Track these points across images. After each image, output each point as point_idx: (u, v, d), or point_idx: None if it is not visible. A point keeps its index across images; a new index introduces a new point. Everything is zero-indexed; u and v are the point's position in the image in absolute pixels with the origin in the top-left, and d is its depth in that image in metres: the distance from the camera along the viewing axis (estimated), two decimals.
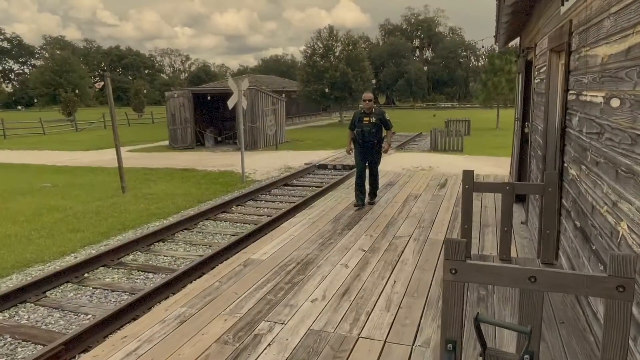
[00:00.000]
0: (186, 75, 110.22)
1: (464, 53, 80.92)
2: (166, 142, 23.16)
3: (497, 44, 9.08)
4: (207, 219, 9.06)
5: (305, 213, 7.19)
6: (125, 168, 15.86)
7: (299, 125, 36.62)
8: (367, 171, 7.60)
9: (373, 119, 7.25)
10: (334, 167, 14.81)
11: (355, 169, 7.79)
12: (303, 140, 25.40)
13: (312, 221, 6.63)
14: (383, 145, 7.59)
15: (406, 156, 17.42)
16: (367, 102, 7.35)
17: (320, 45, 35.15)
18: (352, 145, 7.58)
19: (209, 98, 22.10)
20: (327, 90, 33.32)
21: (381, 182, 8.53)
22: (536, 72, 5.70)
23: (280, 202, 10.51)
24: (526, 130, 6.15)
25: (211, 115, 24.36)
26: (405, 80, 73.84)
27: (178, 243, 7.66)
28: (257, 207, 10.01)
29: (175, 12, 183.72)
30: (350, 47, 35.00)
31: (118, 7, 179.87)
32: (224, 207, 9.79)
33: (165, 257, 7.01)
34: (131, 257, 7.06)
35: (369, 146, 7.37)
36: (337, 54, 35.22)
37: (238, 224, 8.75)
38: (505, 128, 30.76)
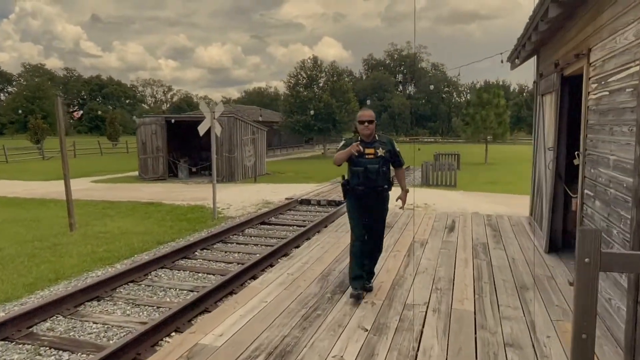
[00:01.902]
0: (168, 105, 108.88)
1: (447, 89, 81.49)
2: (137, 173, 21.36)
3: (514, 62, 7.77)
4: (163, 267, 7.32)
5: (283, 266, 5.55)
6: (82, 201, 13.98)
7: (281, 157, 35.18)
8: (367, 236, 4.70)
9: (380, 151, 4.49)
10: (318, 203, 13.23)
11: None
12: (284, 173, 23.87)
13: (292, 279, 4.99)
14: (398, 199, 4.79)
15: (397, 191, 15.94)
16: (366, 124, 4.48)
17: (304, 75, 34.17)
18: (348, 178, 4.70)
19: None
20: (310, 121, 32.10)
21: None
22: (594, 85, 4.28)
23: (255, 244, 8.83)
24: (576, 162, 4.71)
25: (187, 145, 22.74)
26: (388, 114, 73.63)
27: (118, 302, 5.89)
28: (226, 252, 8.30)
29: (160, 45, 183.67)
30: (335, 78, 34.08)
31: (102, 39, 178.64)
32: (186, 250, 8.07)
33: (94, 325, 5.23)
34: (48, 324, 5.26)
35: (373, 196, 4.54)
36: (321, 84, 34.23)
37: (200, 275, 7.02)
38: (493, 163, 29.83)
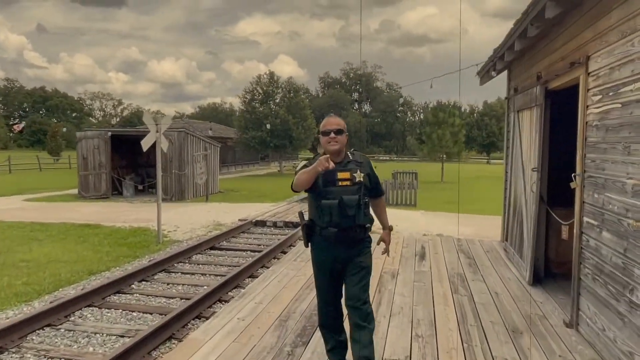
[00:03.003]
0: (118, 120, 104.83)
1: (401, 108, 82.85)
2: (77, 191, 19.67)
3: (487, 75, 7.28)
4: (90, 305, 6.19)
5: (233, 307, 4.64)
6: (7, 222, 12.47)
7: (235, 175, 33.96)
8: (344, 305, 3.24)
9: (358, 175, 3.14)
10: (274, 225, 12.31)
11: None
12: (238, 191, 22.79)
13: (244, 326, 4.09)
14: (380, 240, 3.49)
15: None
16: (333, 136, 3.14)
17: (260, 90, 33.34)
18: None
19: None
20: (266, 137, 31.21)
21: None
22: (597, 97, 3.71)
23: (203, 274, 7.81)
24: (573, 185, 4.12)
25: (134, 161, 21.29)
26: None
27: (25, 355, 4.76)
28: (168, 285, 7.23)
29: (111, 57, 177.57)
30: (291, 94, 33.44)
31: (48, 50, 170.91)
32: (121, 283, 6.96)
33: None
34: None
35: (352, 242, 3.18)
36: (277, 100, 33.49)
37: (134, 315, 5.95)
38: (450, 182, 29.92)
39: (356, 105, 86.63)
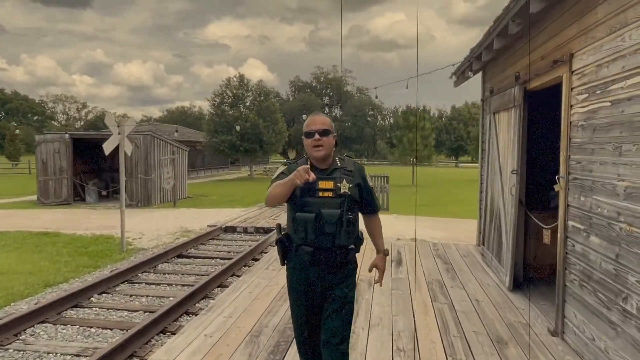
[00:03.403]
0: (82, 123, 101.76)
1: (371, 112, 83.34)
2: (35, 197, 18.73)
3: (462, 75, 7.15)
4: (44, 322, 5.71)
5: (199, 323, 4.29)
6: None
7: (204, 179, 33.25)
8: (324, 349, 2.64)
9: (344, 186, 2.64)
10: (245, 230, 11.93)
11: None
12: (207, 196, 22.23)
13: (211, 344, 3.76)
14: (372, 266, 2.90)
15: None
16: (317, 138, 2.64)
17: (230, 93, 32.79)
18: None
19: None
20: (236, 141, 30.68)
21: None
22: (582, 95, 3.56)
23: (169, 284, 7.38)
24: (557, 188, 3.97)
25: (97, 166, 20.46)
26: None
27: None
28: (130, 297, 6.78)
29: (75, 59, 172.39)
30: (262, 98, 33.03)
31: (7, 51, 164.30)
32: (80, 296, 6.48)
33: None
34: None
35: (330, 265, 2.64)
36: (247, 103, 33.01)
37: (92, 331, 5.50)
38: (421, 185, 30.07)
39: (327, 109, 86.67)
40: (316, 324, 2.69)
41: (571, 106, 3.79)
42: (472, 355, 3.64)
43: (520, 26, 4.15)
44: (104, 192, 19.20)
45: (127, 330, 5.20)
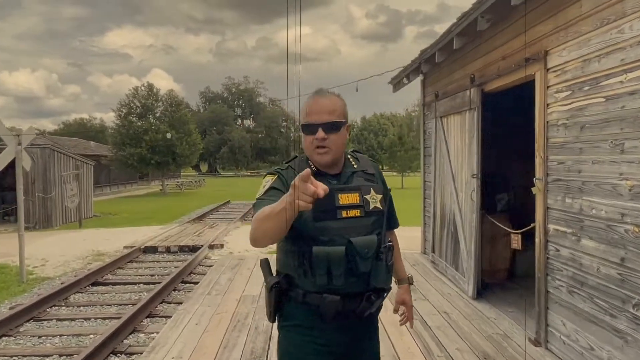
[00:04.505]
0: None
1: (285, 123, 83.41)
2: None
3: (403, 80, 6.98)
4: None
5: None
6: None
7: (111, 196, 30.72)
8: None
9: (373, 198, 1.80)
10: (167, 250, 10.88)
11: None
12: (117, 214, 20.44)
13: None
14: (398, 304, 2.11)
15: None
16: (322, 138, 1.73)
17: (138, 103, 30.76)
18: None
19: None
20: (147, 154, 28.76)
21: (262, 276, 5.27)
22: (564, 93, 3.41)
23: (86, 319, 6.32)
24: (535, 190, 3.80)
25: None
26: (229, 148, 72.06)
27: None
28: (39, 338, 5.66)
29: None
30: (173, 108, 31.39)
31: None
32: None
33: None
34: None
35: (356, 317, 1.78)
36: (157, 114, 31.17)
37: None
38: None
39: (239, 121, 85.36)
40: None
41: (547, 105, 3.65)
42: None
43: (489, 22, 3.99)
44: None
45: None
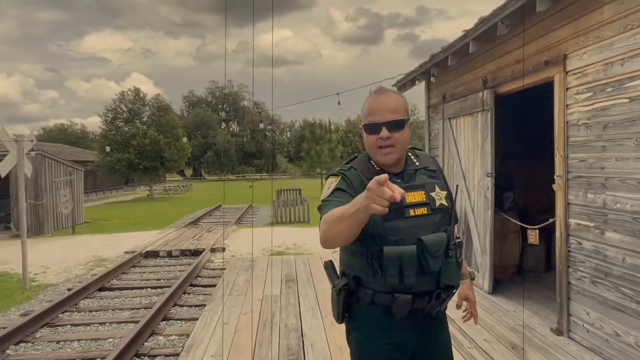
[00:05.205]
0: None
1: (270, 126, 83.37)
2: None
3: (407, 84, 7.15)
4: None
5: None
6: None
7: (98, 202, 30.36)
8: None
9: (439, 195, 1.83)
10: (169, 254, 10.87)
11: None
12: (108, 220, 20.29)
13: None
14: (462, 300, 2.25)
15: (257, 232, 14.39)
16: (386, 137, 1.77)
17: (124, 108, 30.50)
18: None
19: None
20: (135, 159, 28.52)
21: (277, 276, 5.41)
22: (585, 95, 3.60)
23: (101, 323, 6.33)
24: (555, 188, 3.99)
25: None
26: (214, 152, 71.78)
27: None
28: (58, 344, 5.63)
29: None
30: (161, 112, 31.20)
31: None
32: None
33: None
34: None
35: (427, 315, 1.85)
36: (144, 119, 30.95)
37: None
38: None
39: (224, 125, 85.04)
40: None
41: (567, 106, 3.84)
42: None
43: (508, 28, 4.17)
44: None
45: None
